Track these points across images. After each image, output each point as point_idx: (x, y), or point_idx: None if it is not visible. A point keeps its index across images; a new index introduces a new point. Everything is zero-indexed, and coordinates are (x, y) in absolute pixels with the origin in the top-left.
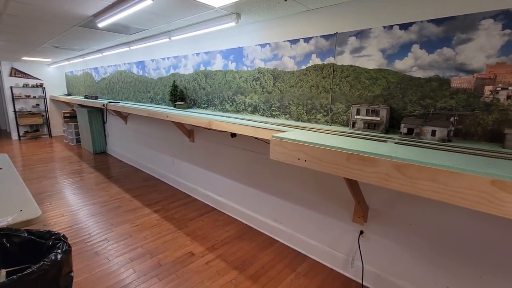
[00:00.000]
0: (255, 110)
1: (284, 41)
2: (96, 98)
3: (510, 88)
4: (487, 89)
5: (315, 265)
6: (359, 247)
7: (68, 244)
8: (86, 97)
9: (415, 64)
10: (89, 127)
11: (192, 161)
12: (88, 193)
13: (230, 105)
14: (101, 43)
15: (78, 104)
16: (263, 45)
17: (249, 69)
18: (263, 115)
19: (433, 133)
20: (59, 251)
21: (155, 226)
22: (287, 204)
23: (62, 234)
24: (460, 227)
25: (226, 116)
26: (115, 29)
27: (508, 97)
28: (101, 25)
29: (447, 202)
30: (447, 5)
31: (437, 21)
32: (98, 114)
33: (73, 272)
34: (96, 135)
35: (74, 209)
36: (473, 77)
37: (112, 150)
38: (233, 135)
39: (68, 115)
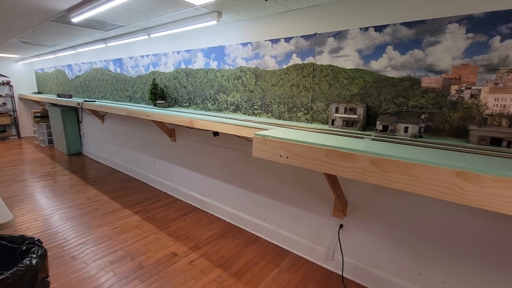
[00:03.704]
0: (237, 108)
1: (265, 40)
2: (70, 96)
3: (473, 87)
4: (453, 88)
5: (298, 260)
6: (339, 240)
7: (44, 248)
8: (59, 95)
9: (389, 64)
10: (62, 127)
11: (174, 161)
12: (63, 196)
13: (212, 104)
14: (75, 39)
15: (50, 103)
16: (244, 44)
17: (231, 67)
18: (245, 114)
19: (406, 129)
20: (34, 255)
21: (136, 228)
22: (270, 201)
23: (36, 238)
24: (431, 217)
25: (208, 115)
26: (90, 24)
27: (472, 96)
28: (75, 20)
29: (419, 194)
30: (418, 9)
31: (408, 24)
32: (73, 114)
33: (49, 277)
34: (71, 135)
35: (48, 213)
36: (441, 77)
37: (88, 151)
38: (216, 133)
39: (39, 114)
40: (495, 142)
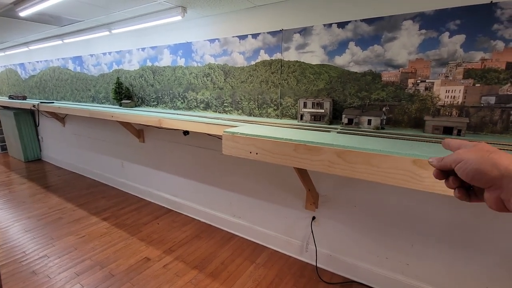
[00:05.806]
0: (207, 106)
1: (233, 36)
2: (24, 98)
3: (427, 80)
4: (410, 82)
5: (273, 254)
6: (312, 232)
7: None
8: (11, 97)
9: (352, 59)
10: (17, 132)
11: (144, 163)
12: (21, 207)
13: (182, 102)
14: (26, 35)
15: (1, 106)
16: (212, 41)
17: (199, 64)
18: (216, 111)
19: (369, 122)
20: None
21: (105, 235)
22: (244, 198)
23: None
24: (395, 204)
25: (178, 114)
26: (42, 19)
27: (426, 89)
28: (23, 14)
29: (380, 182)
30: (376, 6)
31: (368, 21)
32: (28, 117)
33: None
34: (27, 140)
35: (3, 226)
36: (399, 71)
37: (49, 157)
38: (186, 132)
39: None
40: (447, 130)
